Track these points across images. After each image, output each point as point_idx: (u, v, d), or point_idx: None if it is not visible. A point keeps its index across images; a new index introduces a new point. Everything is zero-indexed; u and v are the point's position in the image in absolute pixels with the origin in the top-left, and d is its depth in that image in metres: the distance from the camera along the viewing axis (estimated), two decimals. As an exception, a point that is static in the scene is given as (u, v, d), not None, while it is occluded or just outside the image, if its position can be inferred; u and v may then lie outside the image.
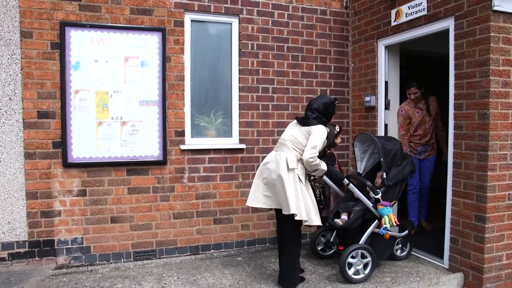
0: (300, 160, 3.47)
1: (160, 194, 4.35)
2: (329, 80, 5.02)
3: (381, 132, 4.75)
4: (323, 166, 3.51)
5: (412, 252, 4.34)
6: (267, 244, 4.76)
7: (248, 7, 4.61)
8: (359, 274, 3.70)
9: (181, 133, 4.40)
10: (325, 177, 3.81)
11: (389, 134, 4.78)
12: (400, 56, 4.83)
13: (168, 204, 4.38)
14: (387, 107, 4.76)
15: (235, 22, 4.60)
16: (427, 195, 5.10)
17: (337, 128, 4.20)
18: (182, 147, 4.38)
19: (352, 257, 3.64)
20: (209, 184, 4.52)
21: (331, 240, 4.18)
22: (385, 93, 4.74)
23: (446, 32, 3.83)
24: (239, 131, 4.65)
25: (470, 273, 3.65)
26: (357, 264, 3.68)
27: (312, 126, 3.53)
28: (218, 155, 4.55)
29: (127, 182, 4.24)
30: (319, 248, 4.28)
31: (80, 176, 4.10)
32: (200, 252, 4.51)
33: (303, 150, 3.46)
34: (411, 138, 4.91)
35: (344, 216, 3.87)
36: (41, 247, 4.01)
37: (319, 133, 3.49)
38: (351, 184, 3.80)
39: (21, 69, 3.90)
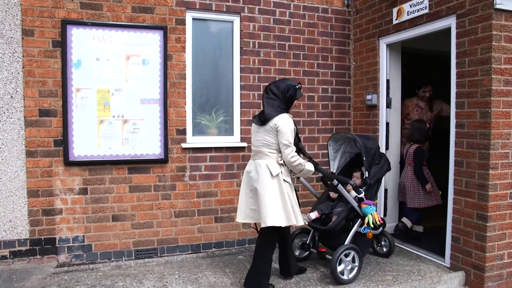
0: (281, 163, 3.30)
1: (161, 192, 4.35)
2: (330, 78, 5.02)
3: (382, 130, 4.75)
4: (309, 166, 3.37)
5: (413, 251, 4.35)
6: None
7: (250, 6, 4.60)
8: (351, 273, 3.65)
9: (183, 132, 4.40)
10: (302, 179, 3.77)
11: (391, 133, 4.79)
12: (402, 54, 4.82)
13: (169, 202, 4.38)
14: (388, 105, 4.75)
15: (236, 20, 4.60)
16: None
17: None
18: (184, 145, 4.38)
19: (340, 261, 3.57)
20: (210, 183, 4.52)
21: (307, 242, 4.05)
22: (387, 91, 4.73)
23: (447, 30, 3.82)
24: (241, 129, 4.65)
25: (471, 271, 3.65)
26: (346, 265, 3.61)
27: (274, 120, 3.26)
28: (219, 153, 4.55)
29: (129, 181, 4.24)
30: (296, 253, 4.08)
31: (81, 174, 4.10)
32: (201, 250, 4.51)
33: (280, 151, 3.30)
34: (405, 131, 5.01)
35: (313, 214, 3.80)
36: (42, 245, 4.02)
37: (284, 126, 3.23)
38: (340, 185, 3.66)
39: (23, 67, 3.90)
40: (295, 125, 3.37)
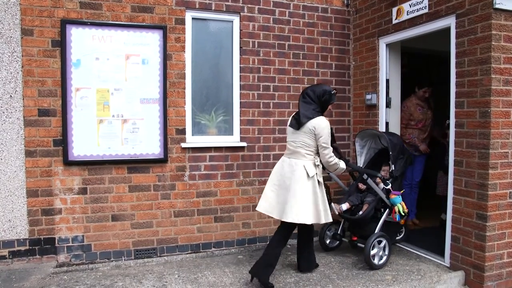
0: (317, 164, 3.52)
1: (161, 192, 4.35)
2: (330, 78, 5.02)
3: (382, 130, 4.74)
4: (342, 164, 3.62)
5: (413, 251, 4.36)
6: (268, 242, 4.76)
7: (249, 5, 4.60)
8: (382, 259, 3.97)
9: (182, 131, 4.40)
10: (332, 174, 4.13)
11: (390, 132, 4.80)
12: (401, 54, 4.83)
13: (169, 202, 4.38)
14: (388, 105, 4.75)
15: (236, 20, 4.60)
16: (417, 190, 5.30)
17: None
18: (183, 145, 4.38)
19: (373, 247, 3.89)
20: (210, 182, 4.52)
21: (338, 232, 4.38)
22: (386, 91, 4.73)
23: (447, 30, 3.82)
24: (240, 129, 4.65)
25: (471, 271, 3.65)
26: (378, 252, 3.94)
27: (311, 122, 3.45)
28: (219, 153, 4.55)
29: (128, 180, 4.24)
30: (327, 242, 4.46)
31: (81, 174, 4.09)
32: (201, 250, 4.51)
33: (317, 152, 3.52)
34: (410, 131, 5.13)
35: (344, 206, 4.14)
36: (41, 245, 4.01)
37: (322, 128, 3.44)
38: (369, 178, 3.97)
39: (22, 66, 3.89)
40: (330, 127, 3.56)
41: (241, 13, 4.58)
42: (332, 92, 3.59)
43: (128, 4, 4.15)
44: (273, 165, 4.71)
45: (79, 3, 4.01)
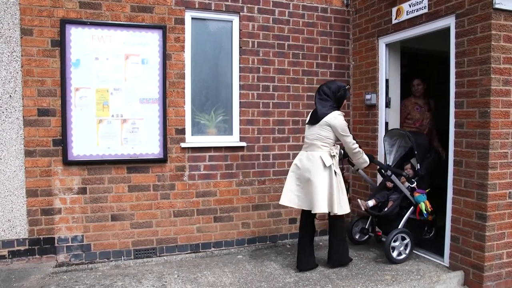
0: (333, 155, 3.69)
1: (160, 192, 4.35)
2: (329, 78, 5.01)
3: (381, 130, 4.74)
4: (365, 156, 3.84)
5: (412, 251, 4.35)
6: (268, 242, 4.77)
7: (249, 5, 4.60)
8: (401, 255, 4.05)
9: (182, 131, 4.40)
10: (360, 171, 4.25)
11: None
12: (401, 54, 4.82)
13: (168, 202, 4.38)
14: (387, 105, 4.75)
15: (235, 20, 4.59)
16: None
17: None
18: (183, 145, 4.38)
19: (395, 240, 3.99)
20: (209, 182, 4.52)
21: (366, 227, 4.54)
22: (386, 91, 4.73)
23: (447, 30, 3.82)
24: (240, 129, 4.65)
25: (470, 271, 3.65)
26: (399, 247, 4.03)
27: (327, 117, 3.66)
28: (218, 153, 4.55)
29: (128, 180, 4.24)
30: (356, 236, 4.62)
31: (80, 173, 4.09)
32: (200, 250, 4.51)
33: (333, 144, 3.73)
34: (407, 129, 5.04)
35: (370, 202, 4.28)
36: (41, 245, 4.01)
37: (338, 121, 3.67)
38: (393, 175, 4.11)
39: (21, 66, 3.89)
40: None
41: (241, 13, 4.58)
42: (346, 88, 3.83)
43: (127, 4, 4.15)
44: (273, 165, 4.77)
45: (78, 3, 4.01)
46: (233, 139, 4.66)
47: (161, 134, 4.31)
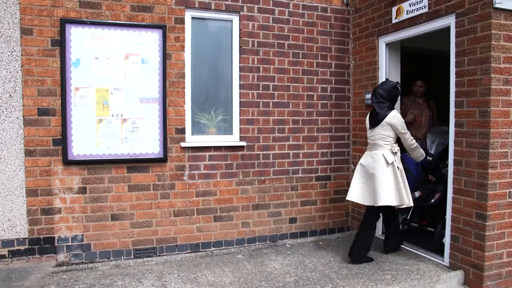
0: (395, 152, 3.93)
1: (160, 191, 4.35)
2: (329, 77, 5.02)
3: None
4: (422, 151, 4.13)
5: (412, 250, 4.36)
6: (268, 242, 4.77)
7: (249, 4, 4.60)
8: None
9: (182, 131, 4.40)
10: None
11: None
12: (401, 54, 4.82)
13: (168, 201, 4.38)
14: (387, 104, 4.75)
15: (235, 19, 4.59)
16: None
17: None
18: (183, 144, 4.38)
19: (444, 228, 4.06)
20: (209, 182, 4.52)
21: (407, 218, 4.71)
22: (386, 90, 4.72)
23: (447, 29, 3.82)
24: (240, 128, 4.65)
25: (470, 270, 3.65)
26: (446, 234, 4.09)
27: (388, 116, 3.94)
28: (218, 152, 4.54)
29: (128, 180, 4.24)
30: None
31: (80, 173, 4.09)
32: (200, 249, 4.51)
33: (394, 142, 3.99)
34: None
35: (417, 193, 4.58)
36: (41, 245, 4.01)
37: (396, 120, 3.95)
38: (445, 168, 4.26)
39: (21, 66, 3.89)
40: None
41: (241, 13, 4.57)
42: (398, 86, 4.10)
43: (127, 3, 4.15)
44: (273, 164, 4.77)
45: (78, 3, 4.01)
46: (233, 139, 4.66)
47: (161, 133, 4.31)
